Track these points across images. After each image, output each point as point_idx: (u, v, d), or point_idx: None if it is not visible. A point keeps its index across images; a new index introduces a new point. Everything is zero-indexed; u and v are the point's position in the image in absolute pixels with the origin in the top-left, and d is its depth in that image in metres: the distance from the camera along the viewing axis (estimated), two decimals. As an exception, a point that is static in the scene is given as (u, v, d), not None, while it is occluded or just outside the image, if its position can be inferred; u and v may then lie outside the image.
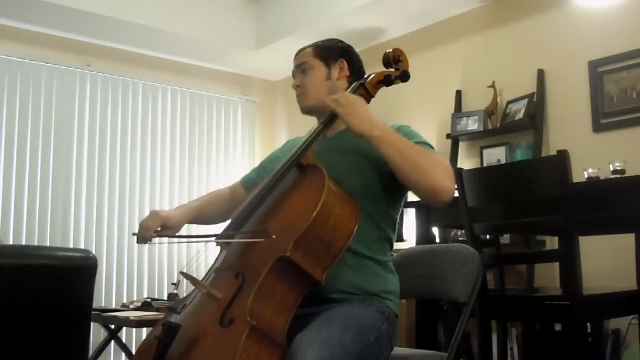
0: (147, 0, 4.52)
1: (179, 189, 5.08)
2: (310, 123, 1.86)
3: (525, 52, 3.92)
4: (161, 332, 1.46)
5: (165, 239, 1.82)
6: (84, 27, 4.51)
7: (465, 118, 4.08)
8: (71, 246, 4.42)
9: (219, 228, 1.76)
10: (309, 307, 1.55)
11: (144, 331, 4.36)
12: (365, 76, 1.79)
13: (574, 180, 2.20)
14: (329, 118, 1.70)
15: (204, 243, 1.71)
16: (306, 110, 1.84)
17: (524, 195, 2.30)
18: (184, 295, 1.71)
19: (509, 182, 2.35)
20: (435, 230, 3.51)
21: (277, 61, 5.14)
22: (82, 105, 4.70)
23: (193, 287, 1.60)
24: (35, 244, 4.30)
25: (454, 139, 4.14)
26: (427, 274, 1.92)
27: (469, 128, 4.04)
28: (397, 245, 1.81)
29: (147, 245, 4.73)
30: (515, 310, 2.39)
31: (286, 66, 1.93)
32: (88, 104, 4.71)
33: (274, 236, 1.46)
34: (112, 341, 3.14)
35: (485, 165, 3.96)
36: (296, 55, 1.90)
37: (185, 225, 1.89)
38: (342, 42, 1.92)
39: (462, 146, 4.20)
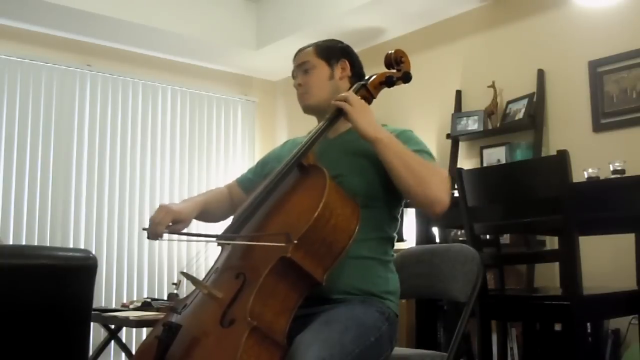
0: (147, 0, 4.52)
1: (179, 189, 5.08)
2: (311, 123, 1.86)
3: (525, 52, 3.92)
4: (162, 332, 1.45)
5: (174, 236, 1.75)
6: (84, 27, 4.51)
7: (465, 118, 4.08)
8: (71, 246, 4.42)
9: (220, 228, 1.76)
10: (309, 307, 1.55)
11: (144, 331, 4.36)
12: (367, 77, 1.79)
13: (574, 180, 2.20)
14: (331, 118, 1.70)
15: (204, 243, 1.71)
16: (308, 109, 1.84)
17: (524, 195, 2.30)
18: (184, 295, 1.71)
19: (509, 182, 2.35)
20: (435, 230, 3.51)
21: (277, 61, 5.14)
22: (82, 105, 4.70)
23: (194, 287, 1.60)
24: (35, 244, 4.30)
25: (454, 139, 4.14)
26: (427, 274, 1.92)
27: (469, 128, 4.04)
28: (397, 245, 1.81)
29: (147, 245, 4.80)
30: (515, 310, 2.39)
31: (286, 66, 1.93)
32: (88, 104, 4.72)
33: (295, 242, 1.44)
34: (112, 341, 3.14)
35: (485, 165, 3.96)
36: (296, 55, 1.90)
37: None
38: (342, 42, 1.92)
39: (462, 146, 4.20)
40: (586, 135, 3.57)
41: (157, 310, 2.90)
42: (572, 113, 3.66)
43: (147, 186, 4.91)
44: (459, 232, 3.66)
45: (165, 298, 3.77)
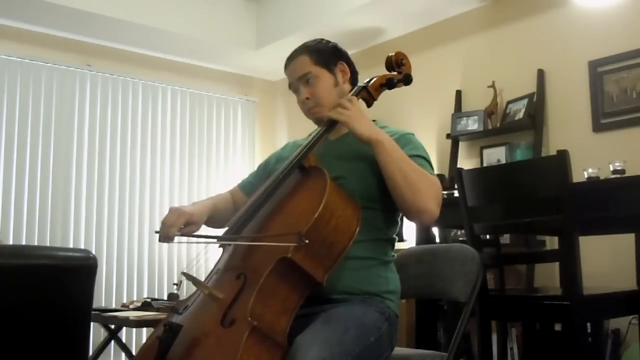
0: (147, 0, 4.52)
1: (179, 189, 5.08)
2: (311, 124, 1.86)
3: (525, 52, 3.92)
4: (163, 332, 1.46)
5: (183, 239, 1.72)
6: (84, 27, 4.51)
7: (465, 118, 4.08)
8: (71, 246, 4.42)
9: (219, 230, 1.76)
10: (309, 307, 1.55)
11: (144, 331, 4.37)
12: (368, 79, 1.78)
13: (574, 180, 2.20)
14: (327, 127, 1.70)
15: (205, 245, 1.71)
16: (320, 122, 1.79)
17: (524, 195, 2.30)
18: (185, 295, 1.70)
19: (509, 182, 2.35)
20: (435, 230, 3.52)
21: (277, 61, 5.05)
22: (82, 105, 4.70)
23: (195, 288, 1.60)
24: (35, 244, 4.30)
25: (454, 139, 4.14)
26: (427, 274, 1.92)
27: (469, 128, 4.04)
28: (397, 245, 1.81)
29: (147, 245, 4.81)
30: (515, 310, 2.39)
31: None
32: (88, 104, 4.72)
33: (307, 241, 1.43)
34: (112, 341, 3.14)
35: (485, 165, 3.96)
36: (289, 64, 1.84)
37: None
38: (329, 41, 1.88)
39: (462, 146, 4.20)
40: (586, 135, 3.57)
41: (157, 310, 2.90)
42: (572, 113, 3.66)
43: (147, 186, 4.91)
44: (459, 232, 3.66)
45: (166, 298, 3.77)
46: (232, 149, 5.44)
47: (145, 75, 5.00)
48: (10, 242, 4.23)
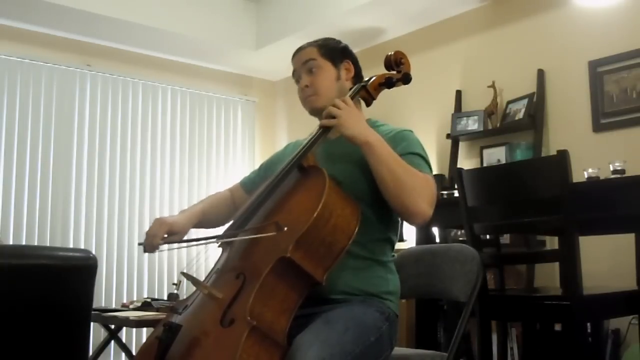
0: (147, 0, 4.52)
1: (179, 189, 5.08)
2: (311, 124, 1.86)
3: (525, 52, 3.92)
4: (162, 332, 1.46)
5: (174, 245, 1.78)
6: (84, 27, 4.51)
7: (465, 118, 4.08)
8: (71, 246, 4.42)
9: (220, 229, 1.76)
10: (309, 307, 1.55)
11: (144, 331, 4.37)
12: (367, 78, 1.78)
13: (574, 180, 2.20)
14: (323, 131, 1.69)
15: (204, 244, 1.71)
16: (315, 112, 1.80)
17: (524, 195, 2.30)
18: (184, 295, 1.71)
19: (509, 182, 2.34)
20: (435, 230, 3.52)
21: (277, 61, 5.13)
22: (82, 105, 4.70)
23: (194, 288, 1.60)
24: (35, 244, 4.30)
25: (454, 139, 4.14)
26: (427, 274, 1.92)
27: (469, 128, 4.04)
28: (397, 245, 1.81)
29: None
30: (515, 310, 2.39)
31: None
32: (88, 104, 4.72)
33: (285, 229, 1.45)
34: (112, 341, 3.14)
35: (485, 165, 3.96)
36: (296, 53, 1.86)
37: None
38: (340, 42, 1.90)
39: (462, 146, 4.20)
40: (586, 135, 3.57)
41: (157, 310, 2.90)
42: (572, 113, 3.66)
43: (147, 186, 4.91)
44: (459, 232, 3.66)
45: (165, 298, 3.77)
46: (232, 149, 5.44)
47: (145, 75, 5.00)
48: (10, 242, 4.23)
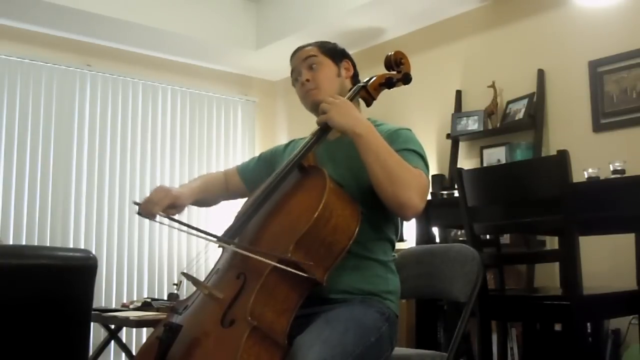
0: (147, 0, 4.52)
1: (179, 189, 5.07)
2: (311, 124, 1.85)
3: (525, 52, 3.92)
4: (162, 332, 1.46)
5: (165, 220, 1.72)
6: (84, 27, 4.51)
7: (465, 118, 4.08)
8: (71, 246, 4.42)
9: (221, 228, 1.76)
10: (309, 307, 1.55)
11: (144, 331, 4.37)
12: (367, 79, 1.78)
13: (574, 180, 2.20)
14: (322, 129, 1.69)
15: (204, 244, 1.71)
16: (316, 107, 1.78)
17: (524, 195, 2.30)
18: (185, 295, 1.71)
19: (509, 182, 2.34)
20: (435, 230, 3.51)
21: (277, 61, 5.13)
22: (82, 105, 4.70)
23: (194, 288, 1.60)
24: (35, 244, 4.30)
25: (454, 139, 4.14)
26: (427, 274, 1.92)
27: (469, 128, 4.04)
28: (397, 245, 1.81)
29: (147, 245, 4.80)
30: (515, 310, 2.39)
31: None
32: (88, 104, 4.72)
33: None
34: (112, 341, 3.14)
35: (485, 165, 3.96)
36: (296, 52, 1.87)
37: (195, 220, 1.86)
38: (338, 45, 1.92)
39: (462, 146, 4.20)
40: (586, 135, 3.57)
41: (157, 310, 2.90)
42: (572, 113, 3.66)
43: (147, 186, 4.90)
44: (459, 232, 3.66)
45: (166, 298, 3.78)
46: (232, 149, 5.44)
47: (145, 75, 5.00)
48: (10, 242, 4.23)
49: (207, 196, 1.93)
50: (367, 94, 1.75)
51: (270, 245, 1.50)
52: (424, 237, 3.21)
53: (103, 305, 4.32)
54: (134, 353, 3.60)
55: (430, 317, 3.39)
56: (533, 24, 3.91)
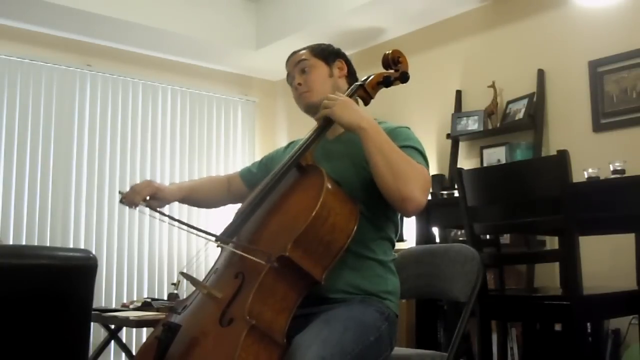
0: (147, 0, 4.52)
1: (179, 189, 5.07)
2: (311, 124, 1.86)
3: (525, 52, 3.92)
4: (161, 332, 1.46)
5: (146, 210, 1.81)
6: (84, 27, 4.51)
7: (465, 118, 4.08)
8: (71, 246, 4.42)
9: (220, 228, 1.76)
10: (308, 307, 1.55)
11: (144, 331, 4.36)
12: (365, 77, 1.78)
13: (574, 180, 2.20)
14: (323, 126, 1.70)
15: (204, 244, 1.71)
16: (309, 108, 1.82)
17: (524, 195, 2.30)
18: (184, 295, 1.71)
19: (509, 182, 2.35)
20: (435, 230, 3.51)
21: (277, 61, 5.06)
22: (82, 105, 4.70)
23: (193, 288, 1.60)
24: (35, 244, 4.30)
25: (454, 139, 4.14)
26: (427, 274, 1.92)
27: (469, 128, 4.04)
28: (397, 245, 1.81)
29: (147, 245, 4.80)
30: (515, 310, 2.39)
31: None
32: (88, 104, 4.72)
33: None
34: (112, 341, 3.14)
35: (485, 165, 3.96)
36: (289, 58, 1.90)
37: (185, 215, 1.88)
38: (332, 45, 1.93)
39: (462, 146, 4.20)
40: (586, 135, 3.57)
41: (157, 310, 2.90)
42: (572, 113, 3.66)
43: (147, 186, 4.90)
44: (459, 232, 3.66)
45: (165, 298, 3.78)
46: (232, 149, 5.44)
47: (145, 75, 5.01)
48: (10, 242, 4.23)
49: (200, 196, 1.97)
50: (365, 93, 1.75)
51: (269, 244, 1.51)
52: (424, 237, 3.21)
53: (103, 305, 4.32)
54: (134, 353, 3.60)
55: (430, 317, 3.39)
56: (533, 24, 3.91)
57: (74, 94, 4.66)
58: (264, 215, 1.64)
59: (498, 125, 3.95)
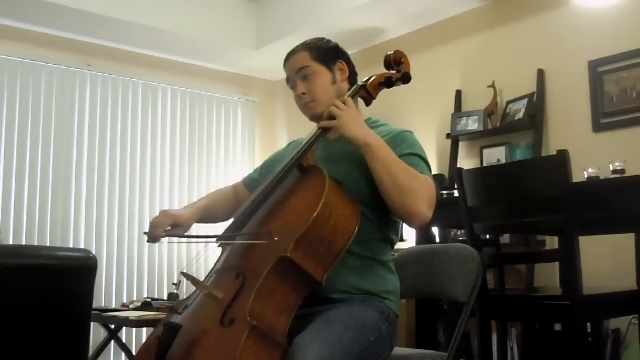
0: (147, 0, 4.52)
1: (179, 189, 5.08)
2: (311, 123, 1.86)
3: (525, 52, 3.92)
4: (162, 332, 1.46)
5: (175, 239, 1.81)
6: (84, 27, 4.51)
7: (465, 118, 4.08)
8: (71, 246, 4.42)
9: (221, 228, 1.76)
10: (309, 307, 1.55)
11: (144, 331, 4.37)
12: (367, 78, 1.77)
13: (574, 180, 2.20)
14: (323, 129, 1.69)
15: (204, 244, 1.71)
16: (316, 118, 1.79)
17: (524, 195, 2.30)
18: (184, 295, 1.71)
19: (509, 182, 2.35)
20: (435, 230, 3.52)
21: (277, 61, 5.03)
22: (82, 105, 4.70)
23: (194, 288, 1.60)
24: (35, 244, 4.30)
25: (454, 139, 4.14)
26: (427, 274, 1.92)
27: (469, 128, 4.04)
28: (397, 245, 1.81)
29: (147, 245, 4.80)
30: (515, 310, 2.39)
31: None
32: (88, 104, 4.72)
33: (276, 238, 1.46)
34: (112, 341, 3.14)
35: (485, 165, 3.96)
36: (288, 59, 1.84)
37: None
38: (330, 40, 1.88)
39: (462, 146, 4.20)
40: (586, 135, 3.57)
41: (157, 310, 2.90)
42: (572, 113, 3.66)
43: (147, 186, 4.91)
44: (459, 232, 3.66)
45: (165, 298, 3.78)
46: (232, 149, 5.44)
47: (145, 75, 5.00)
48: (10, 242, 4.23)
49: (214, 212, 1.95)
50: (367, 94, 1.75)
51: (270, 245, 1.50)
52: (424, 237, 3.21)
53: (103, 305, 4.31)
54: (134, 353, 3.60)
55: (430, 317, 3.39)
56: (533, 24, 3.91)
57: (74, 94, 4.66)
58: (266, 215, 1.63)
59: (498, 125, 3.95)
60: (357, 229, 1.55)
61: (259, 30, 5.06)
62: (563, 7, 3.74)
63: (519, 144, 3.85)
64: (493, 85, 3.97)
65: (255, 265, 1.49)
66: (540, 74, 3.81)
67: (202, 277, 1.66)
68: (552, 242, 3.49)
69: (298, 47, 1.85)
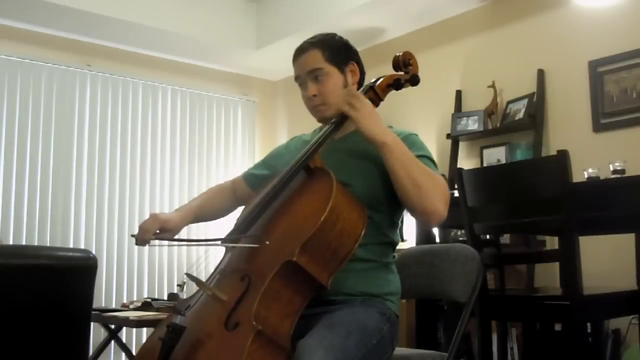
0: (147, 0, 4.52)
1: (179, 189, 5.08)
2: (311, 123, 1.85)
3: (525, 52, 3.92)
4: (166, 333, 1.45)
5: (165, 242, 1.82)
6: (84, 27, 4.51)
7: (465, 118, 4.08)
8: (71, 246, 4.42)
9: (221, 229, 1.76)
10: (310, 308, 1.54)
11: (144, 331, 4.36)
12: (374, 79, 1.75)
13: (574, 180, 2.20)
14: (338, 120, 1.68)
15: (205, 248, 1.70)
16: (326, 121, 1.77)
17: (524, 195, 2.30)
18: (186, 296, 1.70)
19: (509, 182, 2.35)
20: (435, 230, 3.52)
21: (277, 61, 5.14)
22: (82, 105, 4.70)
23: (197, 288, 1.59)
24: (35, 244, 4.30)
25: (454, 139, 4.14)
26: (427, 274, 1.92)
27: (469, 128, 4.04)
28: (398, 245, 1.81)
29: (147, 245, 4.79)
30: (515, 310, 2.39)
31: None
32: (88, 104, 4.72)
33: (267, 242, 1.45)
34: (112, 341, 3.14)
35: (485, 165, 3.96)
36: (299, 55, 1.80)
37: (186, 227, 1.88)
38: (341, 37, 1.85)
39: (462, 146, 4.20)
40: (586, 135, 3.57)
41: (157, 310, 2.90)
42: (572, 113, 3.66)
43: (147, 186, 4.91)
44: (459, 232, 3.66)
45: (165, 298, 3.77)
46: (232, 149, 5.44)
47: (145, 75, 5.00)
48: (10, 242, 4.23)
49: (209, 210, 1.93)
50: (375, 95, 1.72)
51: (276, 249, 1.49)
52: (424, 237, 3.21)
53: (103, 305, 4.32)
54: (134, 353, 3.60)
55: (430, 317, 3.39)
56: (533, 24, 3.91)
57: (74, 94, 4.66)
58: (271, 217, 1.61)
59: (498, 125, 3.96)
60: (363, 232, 1.54)
61: (259, 30, 5.07)
62: (563, 7, 3.74)
63: (519, 144, 3.85)
64: (493, 85, 3.97)
65: (261, 268, 1.48)
66: (540, 74, 3.81)
67: (204, 278, 1.65)
68: (552, 242, 3.49)
69: (309, 42, 1.80)
